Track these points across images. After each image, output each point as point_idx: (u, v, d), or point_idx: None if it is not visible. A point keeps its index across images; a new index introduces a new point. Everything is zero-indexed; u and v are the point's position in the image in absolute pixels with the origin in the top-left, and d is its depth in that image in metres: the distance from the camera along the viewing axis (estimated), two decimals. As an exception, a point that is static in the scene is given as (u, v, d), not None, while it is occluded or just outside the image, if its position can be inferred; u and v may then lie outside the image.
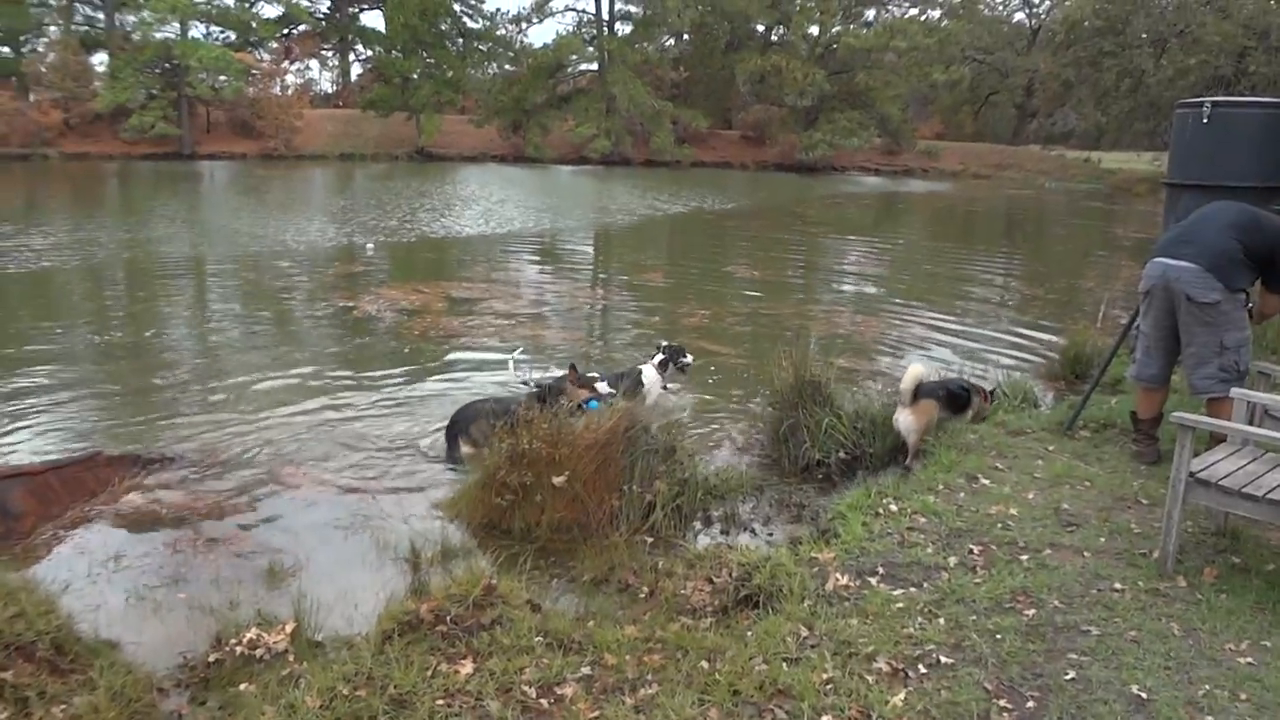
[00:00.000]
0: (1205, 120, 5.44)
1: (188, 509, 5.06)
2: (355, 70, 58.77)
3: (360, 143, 44.58)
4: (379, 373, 7.87)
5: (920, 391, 5.81)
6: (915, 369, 5.92)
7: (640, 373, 6.81)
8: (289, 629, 3.58)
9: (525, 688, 3.10)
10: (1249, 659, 3.31)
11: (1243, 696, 3.09)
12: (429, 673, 3.18)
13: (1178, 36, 38.55)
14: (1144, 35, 40.46)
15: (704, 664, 3.25)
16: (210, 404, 6.95)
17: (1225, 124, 5.40)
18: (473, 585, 3.65)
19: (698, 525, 4.96)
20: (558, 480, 4.74)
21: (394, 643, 3.37)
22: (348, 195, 25.22)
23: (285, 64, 48.94)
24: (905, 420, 5.76)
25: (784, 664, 3.23)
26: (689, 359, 7.16)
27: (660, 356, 6.97)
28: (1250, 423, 4.41)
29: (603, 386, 6.91)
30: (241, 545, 4.68)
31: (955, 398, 6.22)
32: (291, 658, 3.44)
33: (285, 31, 50.27)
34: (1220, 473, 3.87)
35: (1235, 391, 4.45)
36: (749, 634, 3.48)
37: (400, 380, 7.68)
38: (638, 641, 3.44)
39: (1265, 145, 5.42)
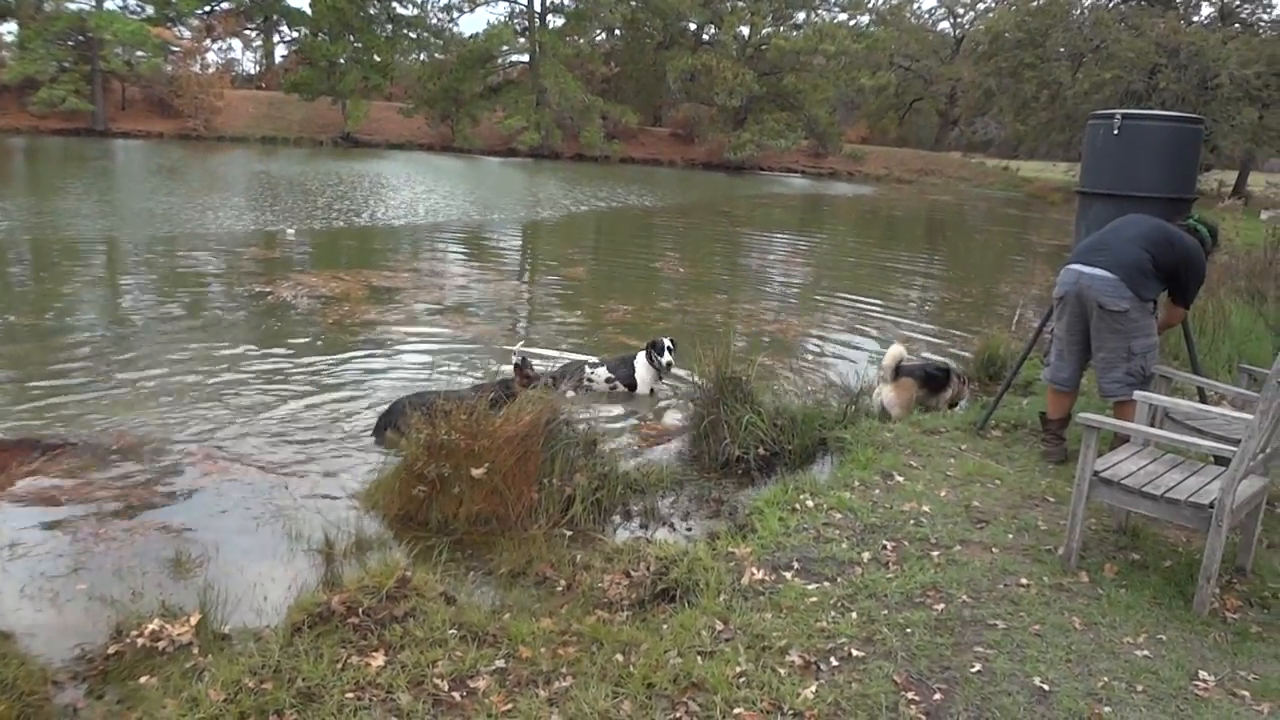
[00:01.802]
0: (1116, 132, 5.60)
1: (90, 496, 4.88)
2: (280, 52, 57.47)
3: (283, 126, 43.62)
4: (293, 360, 7.70)
5: (900, 370, 6.25)
6: (896, 349, 6.42)
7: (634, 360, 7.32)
8: (193, 620, 3.47)
9: (438, 680, 3.06)
10: (1146, 652, 3.42)
11: (1139, 688, 3.19)
12: (339, 665, 3.11)
13: (1094, 51, 39.82)
14: (1062, 49, 41.70)
15: (619, 657, 3.25)
16: (117, 388, 6.71)
17: (1135, 136, 5.57)
18: (386, 577, 3.59)
19: (617, 519, 4.96)
20: (476, 472, 4.69)
21: (304, 635, 3.29)
22: (269, 179, 24.60)
23: (206, 42, 47.49)
24: (888, 396, 6.39)
25: (698, 657, 3.24)
26: (665, 358, 7.18)
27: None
28: (1152, 424, 4.56)
29: (601, 372, 7.27)
30: (146, 534, 4.53)
31: (932, 378, 6.60)
32: (196, 650, 3.34)
33: (207, 8, 48.78)
34: (1122, 472, 4.00)
35: (1138, 395, 4.60)
36: (664, 627, 3.49)
37: (314, 369, 7.52)
38: (553, 634, 3.43)
39: (1171, 158, 5.61)
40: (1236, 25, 41.92)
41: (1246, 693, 3.21)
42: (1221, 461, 3.98)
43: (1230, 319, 8.56)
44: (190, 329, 8.69)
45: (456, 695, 3.01)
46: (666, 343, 7.26)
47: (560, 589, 4.04)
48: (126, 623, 3.46)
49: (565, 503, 4.81)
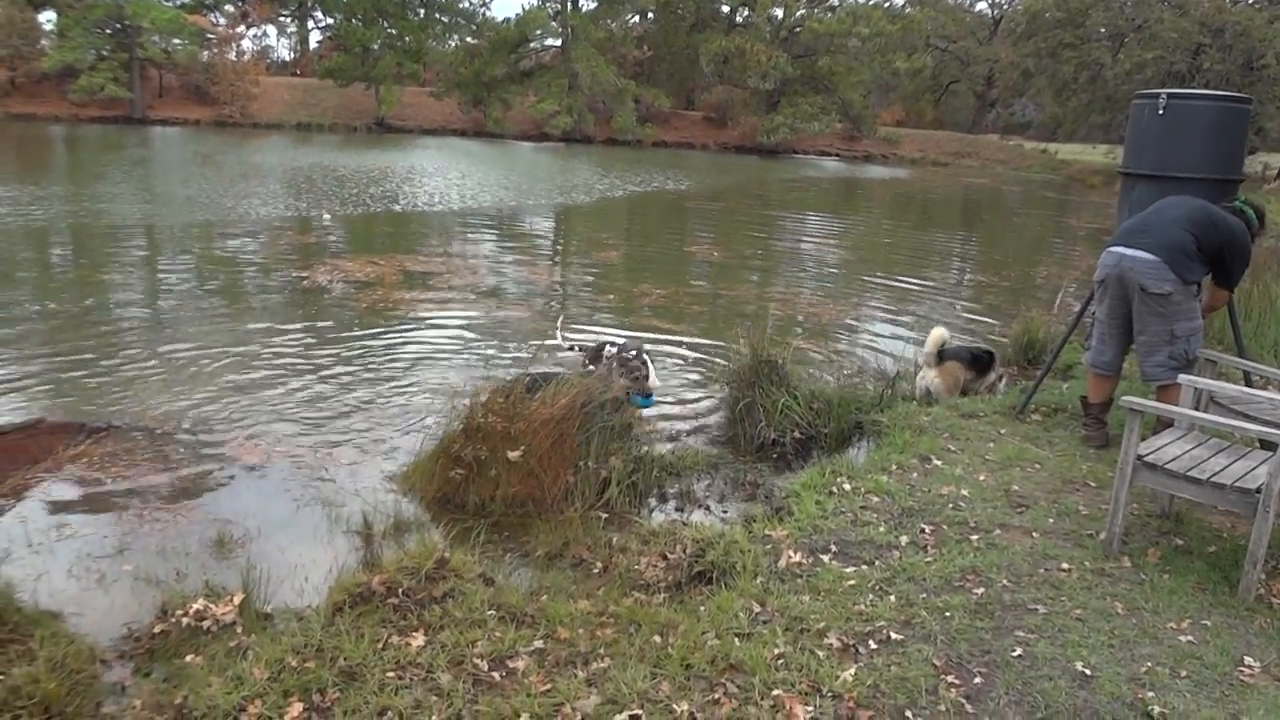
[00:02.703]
0: (1161, 112, 5.49)
1: (134, 479, 4.97)
2: (314, 38, 57.84)
3: (318, 112, 43.91)
4: (329, 344, 7.77)
5: (944, 354, 6.22)
6: (938, 331, 6.35)
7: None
8: (237, 600, 3.53)
9: (477, 660, 3.08)
10: (1189, 637, 3.38)
11: (1183, 674, 3.15)
12: (380, 645, 3.15)
13: (1135, 31, 39.09)
14: (1103, 29, 40.99)
15: (656, 638, 3.25)
16: (158, 373, 6.81)
17: (1180, 116, 5.46)
18: (425, 558, 3.63)
19: (653, 502, 4.96)
20: (513, 455, 4.71)
21: (344, 615, 3.33)
22: (304, 165, 24.79)
23: (241, 29, 47.89)
24: (933, 380, 6.35)
25: (736, 639, 3.24)
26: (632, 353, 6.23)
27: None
28: (1196, 408, 4.49)
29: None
30: (189, 516, 4.60)
31: (979, 360, 6.54)
32: (239, 629, 3.40)
33: (242, -5, 49.22)
34: (1167, 456, 3.94)
35: (1183, 378, 4.53)
36: (702, 609, 3.50)
37: (349, 352, 7.58)
38: (591, 616, 3.44)
39: (1217, 138, 5.49)
40: (1283, 3, 40.95)
41: (1294, 680, 3.16)
42: (1268, 446, 3.92)
43: (1277, 303, 8.40)
44: (228, 314, 8.79)
45: (496, 675, 3.03)
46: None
47: (597, 571, 4.06)
48: (171, 602, 3.51)
49: (601, 485, 4.83)
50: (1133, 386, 5.70)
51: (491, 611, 3.39)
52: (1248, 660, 3.25)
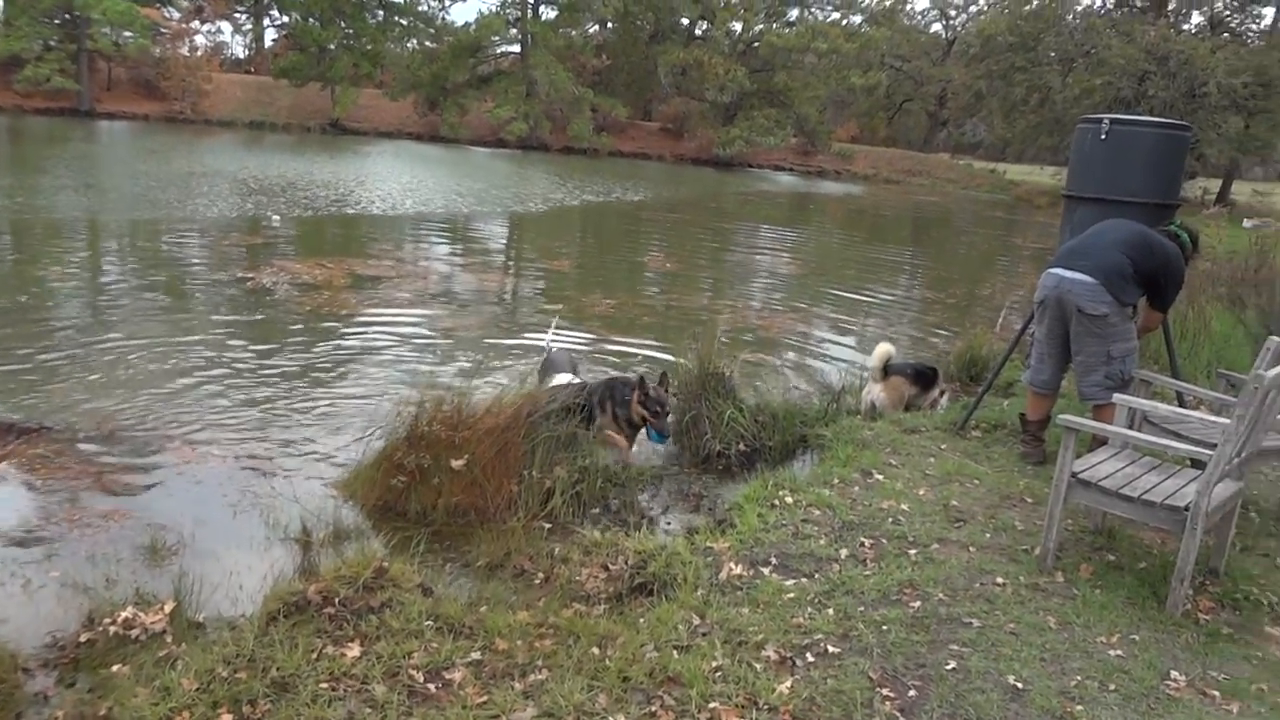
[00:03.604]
0: (1103, 136, 5.62)
1: (65, 481, 4.85)
2: (270, 36, 57.11)
3: (271, 111, 43.34)
4: (272, 347, 7.66)
5: (890, 369, 6.29)
6: (884, 347, 6.43)
7: None
8: (168, 609, 3.45)
9: (413, 671, 3.05)
10: (1119, 651, 3.45)
11: (1111, 687, 3.21)
12: (314, 655, 3.10)
13: (1084, 57, 39.97)
14: (1053, 53, 41.83)
15: (595, 650, 3.25)
16: (94, 372, 6.66)
17: (1121, 141, 5.58)
18: (363, 567, 3.58)
19: (596, 513, 4.94)
20: (456, 464, 4.68)
21: (279, 624, 3.28)
22: (255, 164, 24.44)
23: (195, 23, 47.09)
24: (878, 395, 6.41)
25: (675, 651, 3.24)
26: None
27: None
28: (1130, 427, 4.59)
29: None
30: (122, 521, 4.50)
31: (922, 376, 6.63)
32: (169, 638, 3.32)
33: (196, -10, 48.44)
34: (1100, 474, 4.02)
35: (1118, 397, 4.63)
36: (642, 621, 3.49)
37: (293, 355, 7.49)
38: (530, 627, 3.42)
39: (1157, 163, 5.63)
40: (1225, 35, 42.20)
41: (1216, 693, 3.23)
42: (1198, 465, 4.01)
43: (1211, 325, 8.62)
44: (169, 314, 8.63)
45: (432, 687, 3.00)
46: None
47: (538, 582, 4.04)
48: (99, 610, 3.43)
49: (545, 495, 4.80)
50: (1070, 405, 5.81)
51: (429, 622, 3.36)
52: (1174, 674, 3.32)
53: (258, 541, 4.41)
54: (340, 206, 17.57)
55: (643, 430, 5.52)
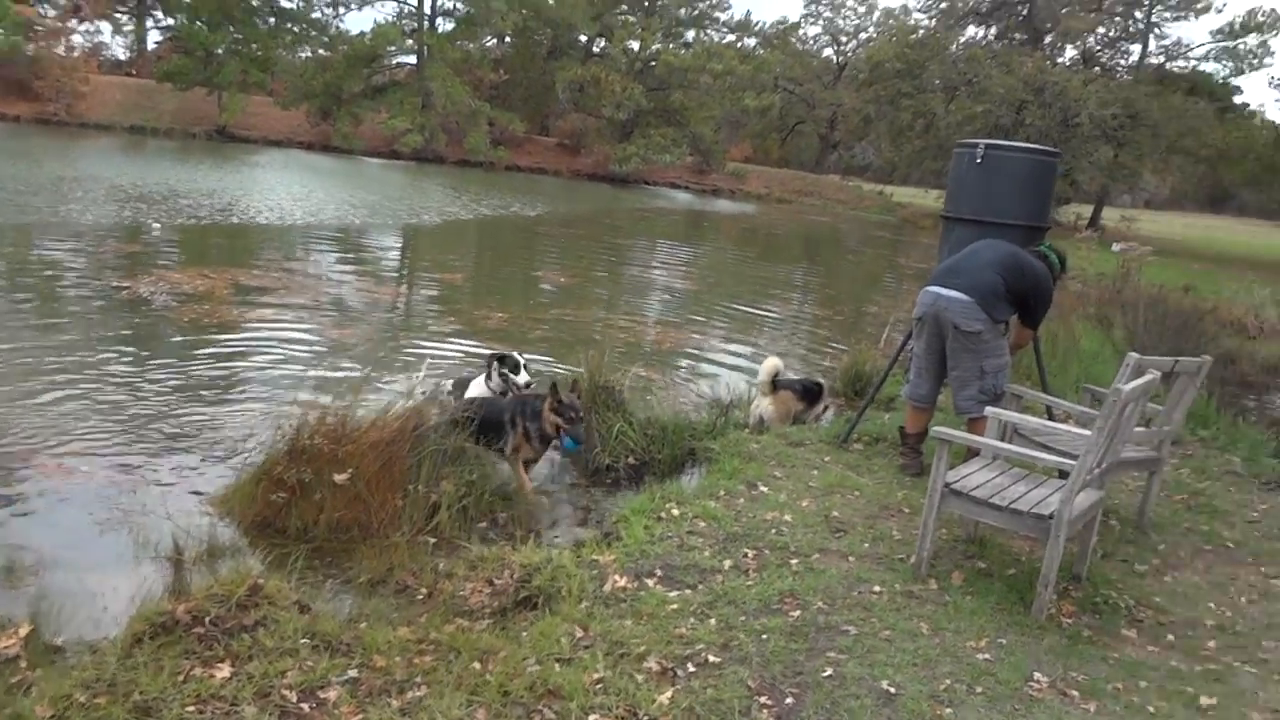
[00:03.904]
0: (979, 161, 5.87)
1: (-86, 499, 4.57)
2: (153, 38, 54.97)
3: (153, 116, 41.67)
4: (148, 359, 7.37)
5: (778, 384, 6.43)
6: (772, 362, 6.56)
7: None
8: (22, 632, 3.28)
9: (285, 691, 2.97)
10: (986, 655, 3.58)
11: (979, 690, 3.33)
12: (180, 677, 2.99)
13: (967, 85, 41.71)
14: (938, 81, 43.59)
15: (476, 665, 3.21)
16: (-48, 385, 6.30)
17: (995, 165, 5.85)
18: (237, 585, 3.47)
19: (484, 526, 4.90)
20: (340, 478, 4.57)
21: (144, 646, 3.15)
22: (135, 170, 23.51)
23: (72, 22, 45.03)
24: (766, 409, 6.53)
25: (556, 664, 3.23)
26: (522, 377, 6.00)
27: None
28: (1001, 440, 4.78)
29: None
30: (-23, 541, 4.26)
31: (809, 390, 6.78)
32: (24, 663, 3.15)
33: (74, -12, 46.37)
34: (971, 484, 4.18)
35: (989, 411, 4.82)
36: (525, 635, 3.48)
37: (170, 368, 7.21)
38: (410, 643, 3.36)
39: (1029, 187, 5.91)
40: (1097, 69, 44.58)
41: (1076, 693, 3.39)
42: (1064, 475, 4.21)
43: (1080, 342, 9.07)
44: (39, 323, 8.22)
45: (305, 706, 2.93)
46: (518, 358, 6.08)
47: (421, 597, 3.98)
48: (-53, 634, 3.24)
49: (430, 510, 4.73)
50: (947, 419, 6.01)
51: (305, 640, 3.27)
52: (1037, 676, 3.47)
53: (126, 561, 4.23)
54: (226, 215, 17.03)
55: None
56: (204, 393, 6.71)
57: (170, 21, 50.58)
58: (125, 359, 7.32)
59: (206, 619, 3.30)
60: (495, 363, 5.99)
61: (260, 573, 3.73)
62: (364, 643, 3.31)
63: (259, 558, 4.29)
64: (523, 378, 5.98)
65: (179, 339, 8.10)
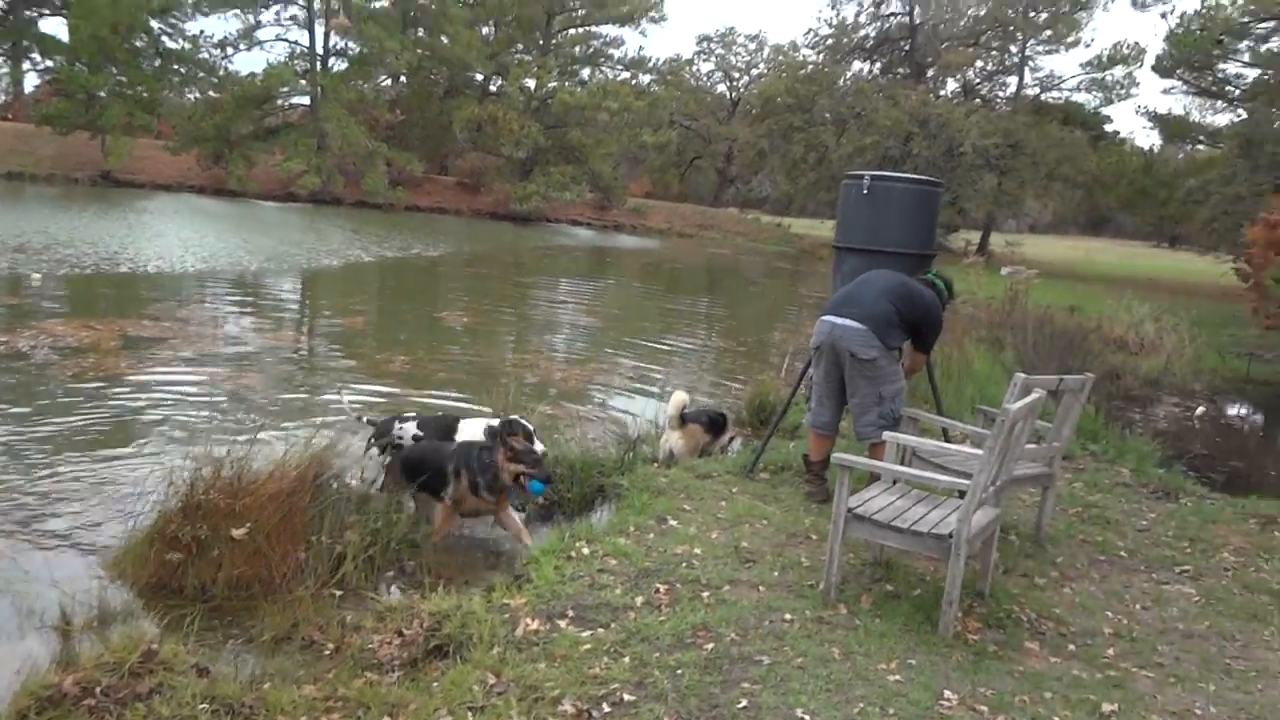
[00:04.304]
0: (865, 191, 6.06)
1: None
2: (31, 80, 52.94)
3: (32, 161, 40.06)
4: (26, 418, 7.02)
5: (686, 417, 6.47)
6: (679, 396, 6.62)
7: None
8: (-106, 714, 3.08)
9: (184, 760, 2.85)
10: (897, 676, 3.64)
11: (891, 711, 3.39)
12: (69, 753, 2.84)
13: (855, 118, 43.03)
14: (828, 115, 44.85)
15: (386, 719, 3.13)
16: None
17: (882, 196, 6.04)
18: (130, 651, 3.33)
19: (391, 575, 4.80)
20: (237, 533, 4.43)
21: (29, 722, 2.99)
22: (11, 218, 22.54)
23: (-58, 68, 43.18)
24: (676, 443, 6.59)
25: (469, 713, 3.18)
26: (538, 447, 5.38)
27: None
28: (900, 463, 4.90)
29: (410, 428, 5.65)
30: None
31: (715, 423, 6.85)
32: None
33: (-57, 33, 44.50)
34: (874, 508, 4.27)
35: (887, 435, 4.94)
36: (435, 685, 3.40)
37: (50, 426, 6.87)
38: (316, 701, 3.27)
39: (914, 216, 6.12)
40: (977, 100, 46.48)
41: (985, 708, 3.47)
42: (963, 495, 4.32)
43: (973, 364, 9.37)
44: (-92, 384, 7.79)
45: (205, 774, 2.81)
46: (528, 425, 5.56)
47: (328, 652, 3.86)
48: None
49: (335, 561, 4.61)
50: (849, 444, 6.14)
51: (204, 705, 3.15)
52: (947, 693, 3.54)
53: (8, 633, 4.01)
54: (112, 264, 16.43)
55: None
56: (91, 450, 6.42)
57: (49, 63, 48.85)
58: (4, 417, 6.97)
59: (97, 689, 3.16)
60: (503, 432, 5.19)
61: (154, 637, 3.58)
62: (267, 704, 3.20)
63: (154, 621, 4.12)
64: (539, 448, 5.37)
65: (63, 394, 7.76)
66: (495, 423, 5.61)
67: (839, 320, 5.39)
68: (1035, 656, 3.98)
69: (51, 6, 49.63)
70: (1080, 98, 46.66)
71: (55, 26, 49.50)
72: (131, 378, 8.51)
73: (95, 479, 5.87)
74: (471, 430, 5.70)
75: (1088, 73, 45.97)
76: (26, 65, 51.98)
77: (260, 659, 3.85)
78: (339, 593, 4.48)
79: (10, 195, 30.92)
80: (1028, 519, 5.72)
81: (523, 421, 5.60)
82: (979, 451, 4.49)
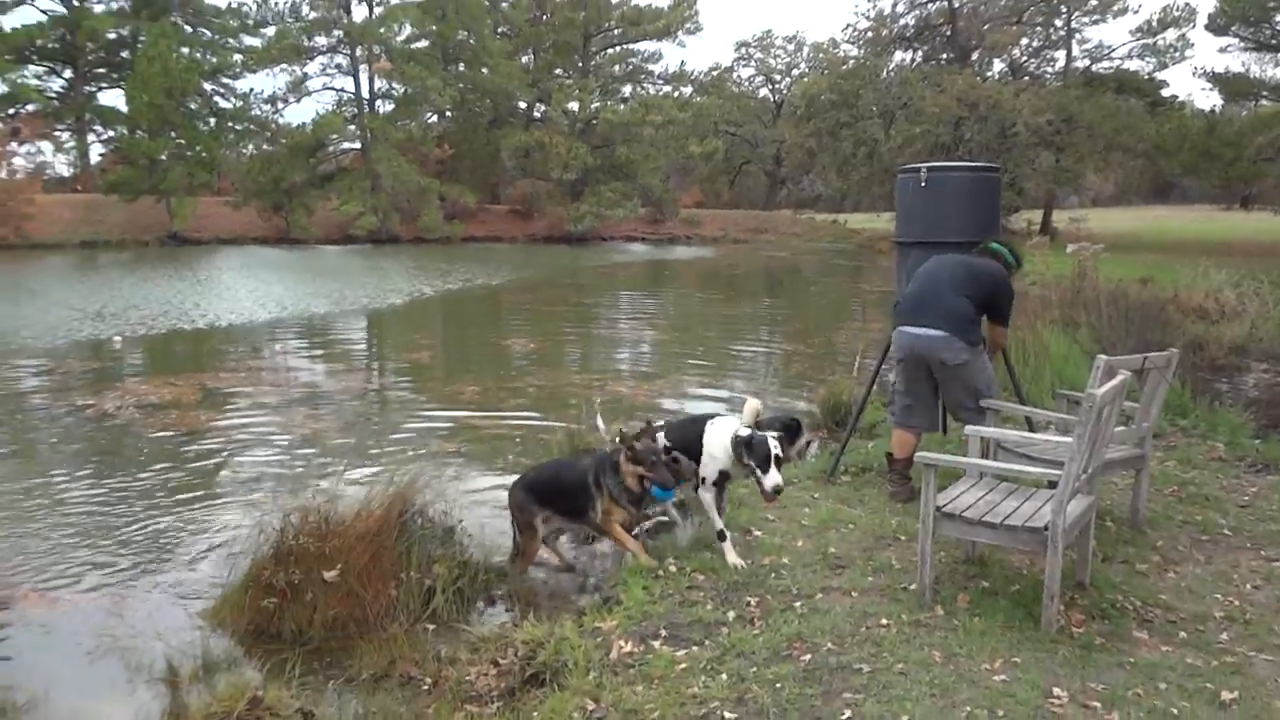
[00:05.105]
0: (923, 184, 5.96)
1: (-106, 650, 4.43)
2: (96, 151, 54.97)
3: (103, 229, 41.57)
4: (118, 476, 7.22)
5: (760, 425, 6.38)
6: (752, 404, 6.48)
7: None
8: (20, 777, 3.18)
9: (298, 805, 2.88)
10: (1002, 676, 3.54)
11: (1000, 713, 3.29)
12: (187, 804, 2.90)
13: (902, 109, 42.56)
14: (874, 108, 44.41)
15: (490, 752, 3.14)
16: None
17: (940, 186, 5.94)
18: (236, 699, 3.40)
19: (481, 606, 4.82)
20: (329, 575, 4.49)
21: (146, 775, 3.06)
22: (90, 285, 23.37)
23: (12, 145, 44.99)
24: None
25: (572, 741, 3.17)
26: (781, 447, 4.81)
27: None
28: (985, 456, 4.79)
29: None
30: (-37, 685, 4.13)
31: (788, 428, 6.73)
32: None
33: (11, 111, 46.42)
34: (962, 505, 4.17)
35: (969, 429, 4.82)
36: (535, 715, 3.41)
37: (140, 483, 7.06)
38: (420, 738, 3.29)
39: (974, 203, 6.01)
40: (1026, 78, 45.64)
41: (1098, 703, 3.35)
42: (1053, 485, 4.21)
43: (1049, 347, 9.13)
44: (5, 452, 8.08)
45: (319, 818, 2.84)
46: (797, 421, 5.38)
47: (426, 688, 3.89)
48: (-59, 789, 3.13)
49: (426, 595, 4.64)
50: (930, 440, 6.02)
51: (312, 748, 3.19)
52: (1056, 691, 3.43)
53: (119, 687, 4.11)
54: (187, 321, 16.93)
55: None
56: (181, 503, 6.59)
57: (111, 134, 50.77)
58: (98, 478, 7.19)
59: (208, 739, 3.22)
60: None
61: (258, 683, 3.65)
62: (373, 743, 3.23)
63: (255, 667, 4.19)
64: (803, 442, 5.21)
65: (150, 450, 7.98)
66: (747, 415, 5.31)
67: (919, 331, 5.31)
68: (1145, 646, 3.84)
69: (109, 80, 51.56)
70: (1133, 65, 45.62)
71: (114, 98, 51.41)
72: (213, 429, 8.72)
73: (188, 530, 6.02)
74: (719, 433, 4.89)
75: (1138, 39, 44.94)
76: (90, 137, 54.06)
77: (361, 698, 3.90)
78: (432, 626, 4.51)
79: (86, 263, 32.07)
80: (1123, 503, 5.55)
81: (795, 420, 5.34)
82: (1067, 439, 4.38)
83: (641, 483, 4.70)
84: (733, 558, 4.70)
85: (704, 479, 4.91)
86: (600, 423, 6.39)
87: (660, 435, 5.03)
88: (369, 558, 4.61)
